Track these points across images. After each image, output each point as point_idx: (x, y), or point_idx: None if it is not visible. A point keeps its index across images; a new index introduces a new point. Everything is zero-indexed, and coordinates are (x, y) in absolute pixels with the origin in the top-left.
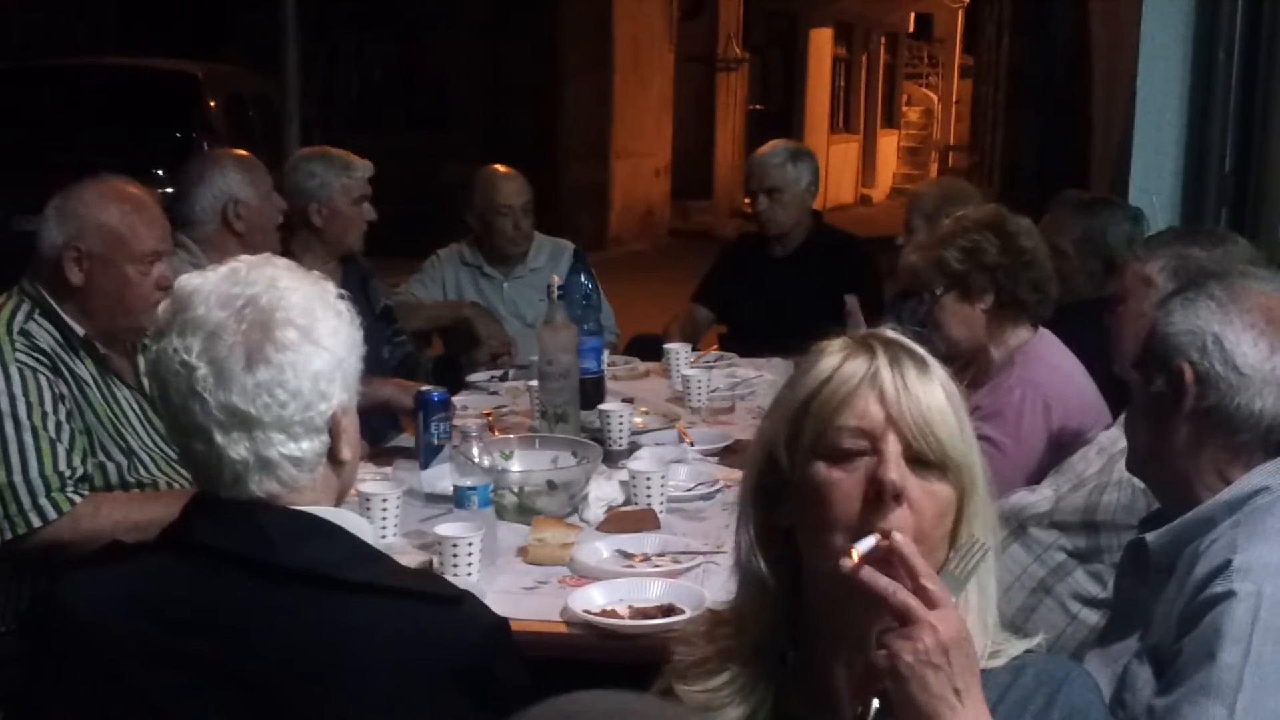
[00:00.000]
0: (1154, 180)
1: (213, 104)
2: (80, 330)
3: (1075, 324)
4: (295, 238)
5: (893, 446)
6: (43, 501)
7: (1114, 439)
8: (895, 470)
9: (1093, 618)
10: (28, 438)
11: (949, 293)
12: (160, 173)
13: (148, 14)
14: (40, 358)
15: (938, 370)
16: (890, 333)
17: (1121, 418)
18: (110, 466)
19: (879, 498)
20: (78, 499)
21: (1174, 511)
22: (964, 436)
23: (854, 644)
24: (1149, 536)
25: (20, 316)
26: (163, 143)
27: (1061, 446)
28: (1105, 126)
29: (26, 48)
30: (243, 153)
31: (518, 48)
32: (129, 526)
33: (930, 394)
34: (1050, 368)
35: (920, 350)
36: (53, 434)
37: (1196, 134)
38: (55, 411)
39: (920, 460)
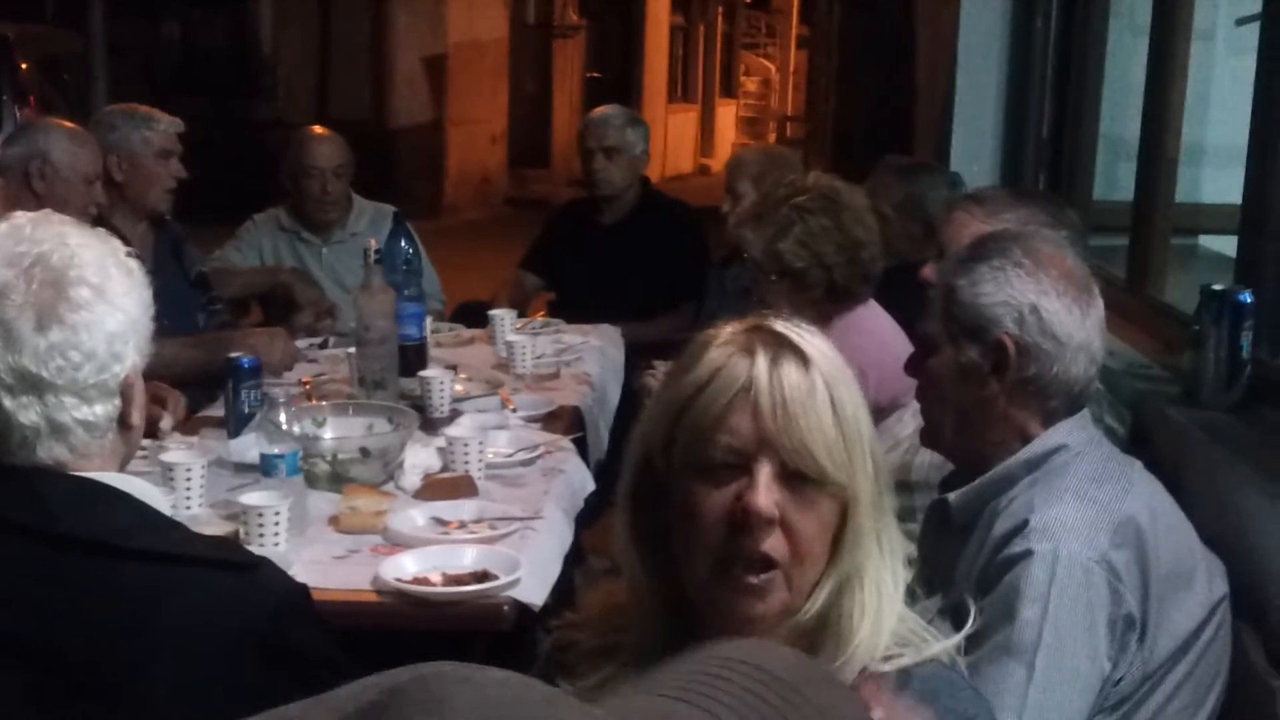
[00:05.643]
0: (974, 146)
1: (24, 65)
2: None
3: (895, 287)
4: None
5: (765, 469)
6: None
7: None
8: (765, 497)
9: (909, 577)
10: None
11: (782, 280)
12: None
13: None
14: None
15: (821, 370)
16: (779, 325)
17: None
18: None
19: (748, 521)
20: None
21: (974, 471)
22: (848, 445)
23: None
24: (950, 496)
25: None
26: None
27: (879, 411)
28: (929, 94)
29: None
30: (76, 126)
31: (351, 11)
32: None
33: (810, 409)
34: (867, 334)
35: (807, 348)
36: None
37: (1015, 101)
38: None
39: (799, 477)
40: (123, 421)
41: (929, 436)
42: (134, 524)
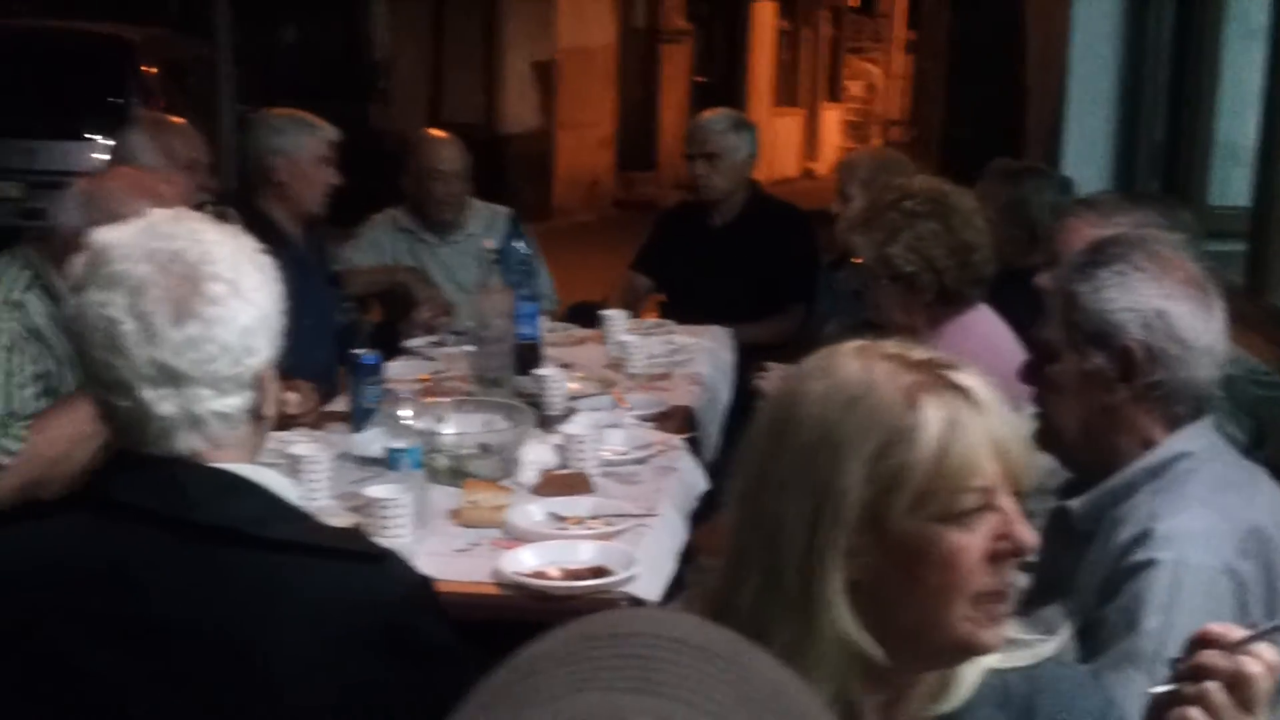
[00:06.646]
0: (1087, 150)
1: (148, 69)
2: None
3: (1002, 292)
4: (259, 197)
5: (1008, 500)
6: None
7: None
8: (1029, 530)
9: (1020, 582)
10: None
11: (893, 284)
12: (94, 137)
13: None
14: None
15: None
16: (918, 351)
17: None
18: None
19: (1005, 555)
20: (25, 432)
21: (1094, 478)
22: None
23: (895, 697)
24: (1072, 503)
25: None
26: (97, 107)
27: None
28: (1040, 97)
29: None
30: (172, 119)
31: (464, 17)
32: (80, 437)
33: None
34: (978, 339)
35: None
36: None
37: (1128, 105)
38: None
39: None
40: (255, 413)
41: (1047, 439)
42: (267, 513)
